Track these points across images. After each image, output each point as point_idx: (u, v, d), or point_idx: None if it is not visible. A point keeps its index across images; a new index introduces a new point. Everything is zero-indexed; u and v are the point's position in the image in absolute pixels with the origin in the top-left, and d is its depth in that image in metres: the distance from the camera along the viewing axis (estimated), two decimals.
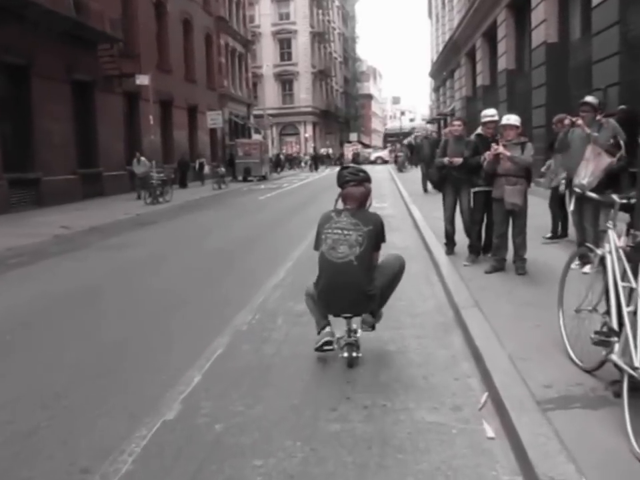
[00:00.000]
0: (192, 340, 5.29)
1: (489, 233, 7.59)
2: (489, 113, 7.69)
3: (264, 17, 66.90)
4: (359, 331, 4.53)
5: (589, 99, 6.71)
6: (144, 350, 5.12)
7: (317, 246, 4.56)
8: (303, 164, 53.80)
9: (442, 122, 49.55)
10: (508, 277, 6.72)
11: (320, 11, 74.85)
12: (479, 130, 7.77)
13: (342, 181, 4.58)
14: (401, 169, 35.34)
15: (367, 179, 4.61)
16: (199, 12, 36.73)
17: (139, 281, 8.15)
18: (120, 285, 7.92)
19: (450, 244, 8.19)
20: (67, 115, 21.32)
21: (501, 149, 6.66)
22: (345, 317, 4.46)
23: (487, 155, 6.81)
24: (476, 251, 7.64)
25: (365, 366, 4.43)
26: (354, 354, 4.41)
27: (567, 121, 7.60)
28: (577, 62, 16.27)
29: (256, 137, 41.75)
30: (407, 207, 15.07)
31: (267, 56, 65.64)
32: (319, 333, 4.51)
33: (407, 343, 4.96)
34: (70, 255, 10.78)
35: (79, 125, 22.59)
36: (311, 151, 59.57)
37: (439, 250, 8.48)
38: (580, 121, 6.50)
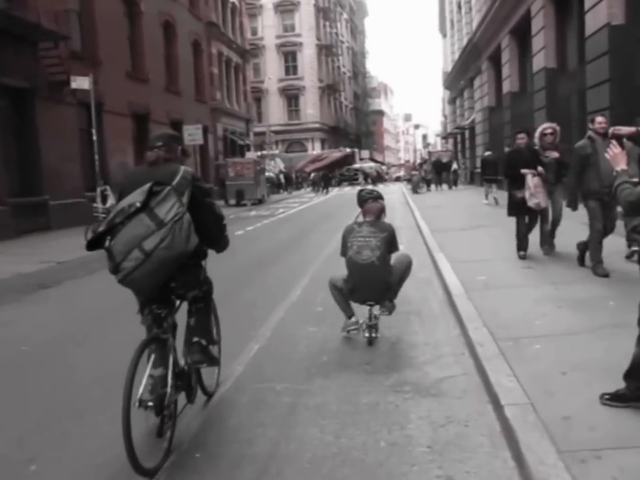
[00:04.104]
0: None
1: None
2: None
3: (267, 28, 63.23)
4: (379, 316, 5.58)
5: None
6: None
7: (342, 252, 5.64)
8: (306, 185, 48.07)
9: (458, 137, 44.94)
10: None
11: (327, 23, 70.97)
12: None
13: (362, 200, 5.73)
14: (415, 189, 30.74)
15: (380, 196, 5.81)
16: (184, 15, 32.35)
17: None
18: None
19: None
20: None
21: None
22: (369, 305, 5.51)
23: None
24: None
25: None
26: (373, 334, 5.48)
27: None
28: None
29: (249, 155, 37.17)
30: (430, 253, 10.24)
31: (271, 70, 61.94)
32: (349, 318, 5.61)
33: None
34: None
35: (13, 141, 18.20)
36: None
37: (501, 368, 3.85)
38: None
